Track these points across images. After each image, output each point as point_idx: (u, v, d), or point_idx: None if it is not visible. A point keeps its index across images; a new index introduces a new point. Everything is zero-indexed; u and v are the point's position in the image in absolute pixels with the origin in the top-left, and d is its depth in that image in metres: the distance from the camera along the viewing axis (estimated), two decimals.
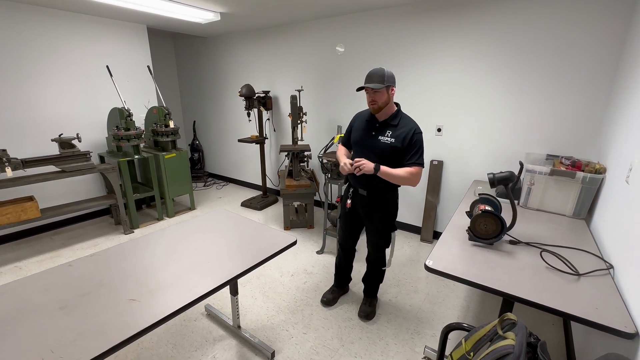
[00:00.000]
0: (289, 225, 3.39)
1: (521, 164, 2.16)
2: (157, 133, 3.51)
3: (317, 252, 2.92)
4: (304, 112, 3.25)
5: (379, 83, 1.69)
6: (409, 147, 1.73)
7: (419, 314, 2.16)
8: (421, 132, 1.76)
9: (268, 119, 4.20)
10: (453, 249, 1.56)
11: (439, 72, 2.81)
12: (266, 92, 3.92)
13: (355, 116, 2.02)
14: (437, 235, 3.14)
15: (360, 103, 3.26)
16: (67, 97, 3.27)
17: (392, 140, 1.75)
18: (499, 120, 2.62)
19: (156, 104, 3.92)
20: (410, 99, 2.99)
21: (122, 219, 3.26)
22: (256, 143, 3.87)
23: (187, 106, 5.41)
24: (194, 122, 5.19)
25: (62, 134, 2.89)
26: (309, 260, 2.80)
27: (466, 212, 1.82)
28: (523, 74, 2.45)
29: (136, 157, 3.30)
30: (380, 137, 1.79)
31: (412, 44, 2.90)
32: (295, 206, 3.72)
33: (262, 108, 3.81)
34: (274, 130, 4.22)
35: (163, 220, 3.65)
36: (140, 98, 3.85)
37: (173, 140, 3.57)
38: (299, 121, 3.20)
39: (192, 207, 3.96)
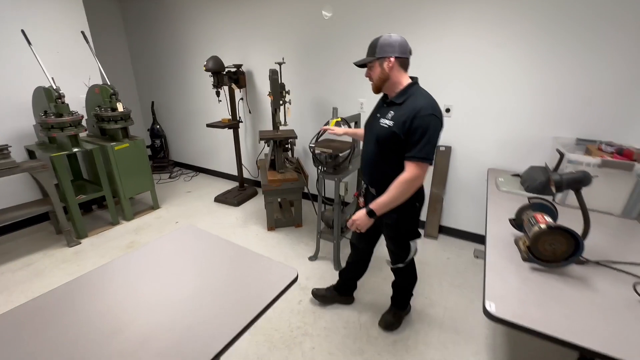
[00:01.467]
0: (273, 225, 2.90)
1: (561, 154, 1.79)
2: (101, 119, 2.81)
3: (310, 259, 2.48)
4: (286, 90, 2.68)
5: (371, 55, 1.37)
6: (408, 134, 1.30)
7: (445, 341, 1.80)
8: (431, 115, 1.28)
9: (242, 99, 3.57)
10: (511, 279, 1.16)
11: (448, 40, 2.34)
12: (238, 66, 3.27)
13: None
14: (443, 230, 2.80)
15: (359, 80, 2.74)
16: None
17: (391, 123, 1.35)
18: (521, 99, 2.23)
19: (101, 82, 3.17)
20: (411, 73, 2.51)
21: (63, 228, 2.61)
22: (229, 128, 3.26)
23: (142, 84, 4.59)
24: (152, 102, 4.42)
25: None
26: (302, 270, 2.36)
27: (511, 220, 1.43)
28: (553, 41, 2.04)
29: (75, 150, 2.62)
30: (381, 119, 1.41)
31: (416, 5, 2.38)
32: (280, 201, 3.22)
33: (233, 85, 3.18)
34: (250, 112, 3.61)
35: (119, 225, 3.03)
36: (78, 74, 3.07)
37: (124, 127, 2.88)
38: (281, 102, 2.64)
39: (155, 206, 3.34)
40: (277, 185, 2.65)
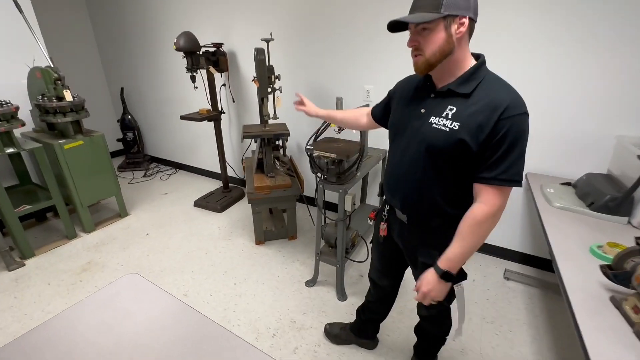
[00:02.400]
0: (262, 239, 2.42)
1: None
2: (45, 110, 2.25)
3: (308, 284, 2.03)
4: (275, 75, 2.15)
5: (430, 11, 0.82)
6: (490, 144, 0.84)
7: None
8: (523, 114, 0.82)
9: (224, 85, 3.02)
10: None
11: (486, 14, 1.83)
12: (218, 46, 2.71)
13: (399, 84, 1.10)
14: None
15: (366, 62, 2.23)
16: None
17: (456, 125, 0.86)
18: (573, 84, 1.75)
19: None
20: None
21: (0, 247, 2.10)
22: (208, 120, 2.73)
23: (109, 67, 3.98)
24: (122, 89, 3.82)
25: None
26: (297, 300, 1.91)
27: (604, 269, 0.97)
28: (620, 15, 1.55)
29: (8, 150, 2.07)
30: (432, 118, 0.91)
31: None
32: (270, 209, 2.74)
33: (212, 69, 2.63)
34: (234, 102, 3.07)
35: (76, 239, 2.52)
36: (19, 53, 2.48)
37: (75, 120, 2.33)
38: (269, 89, 2.11)
39: (122, 214, 2.83)
40: (266, 193, 2.16)
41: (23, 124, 2.12)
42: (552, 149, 1.89)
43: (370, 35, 2.14)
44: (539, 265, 2.15)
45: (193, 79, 2.56)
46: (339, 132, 1.70)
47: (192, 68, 2.49)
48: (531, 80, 1.83)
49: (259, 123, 2.39)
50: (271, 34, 2.16)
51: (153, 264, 2.21)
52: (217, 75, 2.73)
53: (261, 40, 2.12)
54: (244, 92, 2.96)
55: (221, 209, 2.93)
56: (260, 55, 1.95)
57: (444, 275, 0.93)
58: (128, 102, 3.89)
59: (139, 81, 3.73)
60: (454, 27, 0.82)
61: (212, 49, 2.70)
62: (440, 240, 0.98)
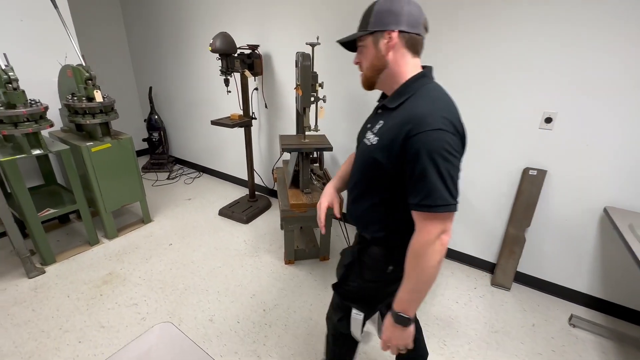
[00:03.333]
0: (292, 259, 2.24)
1: None
2: (74, 111, 2.15)
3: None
4: (319, 82, 1.96)
5: (362, 29, 0.86)
6: (405, 164, 0.78)
7: None
8: (436, 130, 0.73)
9: (256, 89, 2.87)
10: None
11: (547, 15, 1.58)
12: (254, 48, 2.56)
13: None
14: (519, 278, 2.10)
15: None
16: None
17: (375, 140, 0.86)
18: None
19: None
20: (491, 62, 1.77)
21: (21, 253, 1.99)
22: (240, 127, 2.57)
23: (140, 65, 3.91)
24: (150, 89, 3.73)
25: None
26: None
27: None
28: None
29: (35, 152, 1.97)
30: (368, 133, 0.91)
31: None
32: (302, 227, 2.55)
33: (247, 72, 2.47)
34: (266, 107, 2.90)
35: (98, 245, 2.40)
36: (50, 50, 2.39)
37: (104, 122, 2.22)
38: (312, 98, 1.92)
39: (146, 220, 2.71)
40: (302, 212, 1.97)
41: (51, 125, 2.01)
42: (634, 178, 1.62)
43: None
44: (612, 312, 1.86)
45: (227, 82, 2.41)
46: None
47: (227, 71, 2.34)
48: (612, 101, 1.56)
49: (294, 133, 2.21)
50: (318, 38, 1.97)
51: (176, 281, 2.06)
52: (250, 78, 2.57)
53: (306, 44, 1.93)
54: (278, 97, 2.79)
55: (247, 220, 2.77)
56: (305, 61, 1.76)
57: (398, 319, 0.84)
58: (155, 102, 3.80)
59: (168, 81, 3.63)
60: (383, 42, 0.82)
61: (247, 51, 2.55)
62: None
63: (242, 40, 2.60)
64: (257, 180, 3.14)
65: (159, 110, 3.86)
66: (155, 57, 3.63)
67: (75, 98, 2.13)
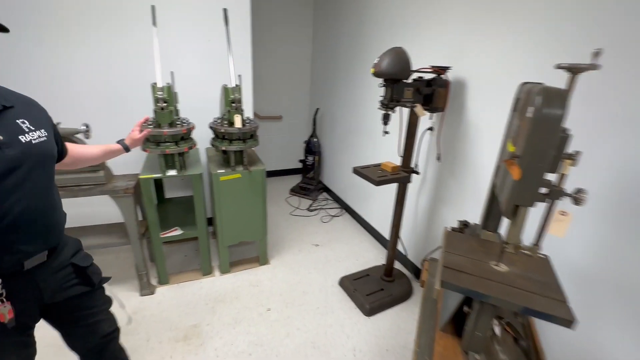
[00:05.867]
0: None
1: None
2: (215, 133, 1.96)
3: None
4: (569, 153, 0.87)
5: None
6: None
7: None
8: None
9: (430, 129, 1.97)
10: None
11: None
12: (440, 71, 1.68)
13: None
14: None
15: None
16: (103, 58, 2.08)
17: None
18: None
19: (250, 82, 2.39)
20: None
21: (139, 269, 1.96)
22: (389, 183, 1.76)
23: (316, 84, 3.76)
24: (317, 110, 3.50)
25: (59, 123, 1.68)
26: None
27: None
28: None
29: (169, 173, 1.86)
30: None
31: None
32: None
33: (419, 108, 1.63)
34: (439, 159, 1.96)
35: (209, 277, 2.20)
36: (223, 68, 2.36)
37: (239, 149, 1.93)
38: (543, 190, 0.87)
39: (261, 261, 2.35)
40: None
41: (190, 148, 1.87)
42: None
43: None
44: None
45: (386, 119, 1.66)
46: None
47: (390, 103, 1.59)
48: None
49: (478, 221, 1.19)
50: (596, 55, 0.89)
51: None
52: (423, 115, 1.71)
53: (557, 67, 0.88)
54: (461, 149, 1.79)
55: (370, 311, 1.93)
56: (549, 107, 0.75)
57: None
58: (318, 125, 3.55)
59: (335, 104, 3.27)
60: None
61: (428, 76, 1.71)
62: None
63: (423, 59, 1.78)
64: (399, 246, 2.24)
65: (320, 134, 3.58)
66: (328, 77, 3.35)
67: (218, 120, 1.93)
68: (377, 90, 2.39)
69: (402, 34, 2.16)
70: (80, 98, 2.10)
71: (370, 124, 2.62)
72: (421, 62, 1.76)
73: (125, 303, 1.86)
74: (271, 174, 3.88)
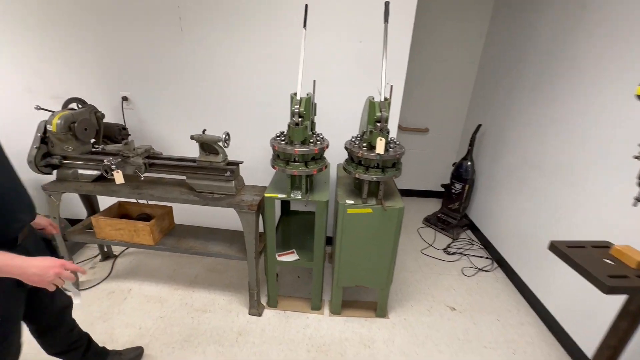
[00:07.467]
0: None
1: None
2: (351, 155, 1.61)
3: None
4: None
5: None
6: None
7: None
8: None
9: None
10: None
11: None
12: None
13: None
14: None
15: None
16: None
17: None
18: None
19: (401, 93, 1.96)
20: None
21: (251, 287, 1.85)
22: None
23: (478, 96, 2.97)
24: (478, 127, 2.73)
25: (205, 130, 1.68)
26: None
27: None
28: None
29: (294, 195, 1.63)
30: None
31: None
32: None
33: None
34: None
35: (318, 314, 1.92)
36: (371, 75, 1.99)
37: (375, 180, 1.53)
38: None
39: (379, 313, 1.91)
40: None
41: (320, 170, 1.59)
42: None
43: None
44: None
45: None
46: None
47: None
48: None
49: None
50: None
51: None
52: None
53: None
54: None
55: None
56: None
57: None
58: (477, 146, 2.78)
59: (507, 122, 2.45)
60: None
61: None
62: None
63: None
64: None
65: (477, 157, 2.81)
66: (504, 87, 2.53)
67: (356, 142, 1.57)
68: (602, 119, 1.54)
69: None
70: (224, 103, 2.14)
71: (577, 166, 1.75)
72: None
73: (234, 318, 1.80)
74: (404, 192, 3.36)
